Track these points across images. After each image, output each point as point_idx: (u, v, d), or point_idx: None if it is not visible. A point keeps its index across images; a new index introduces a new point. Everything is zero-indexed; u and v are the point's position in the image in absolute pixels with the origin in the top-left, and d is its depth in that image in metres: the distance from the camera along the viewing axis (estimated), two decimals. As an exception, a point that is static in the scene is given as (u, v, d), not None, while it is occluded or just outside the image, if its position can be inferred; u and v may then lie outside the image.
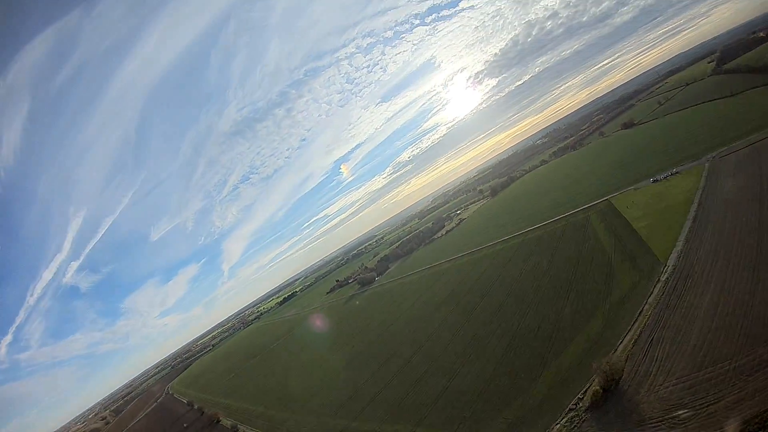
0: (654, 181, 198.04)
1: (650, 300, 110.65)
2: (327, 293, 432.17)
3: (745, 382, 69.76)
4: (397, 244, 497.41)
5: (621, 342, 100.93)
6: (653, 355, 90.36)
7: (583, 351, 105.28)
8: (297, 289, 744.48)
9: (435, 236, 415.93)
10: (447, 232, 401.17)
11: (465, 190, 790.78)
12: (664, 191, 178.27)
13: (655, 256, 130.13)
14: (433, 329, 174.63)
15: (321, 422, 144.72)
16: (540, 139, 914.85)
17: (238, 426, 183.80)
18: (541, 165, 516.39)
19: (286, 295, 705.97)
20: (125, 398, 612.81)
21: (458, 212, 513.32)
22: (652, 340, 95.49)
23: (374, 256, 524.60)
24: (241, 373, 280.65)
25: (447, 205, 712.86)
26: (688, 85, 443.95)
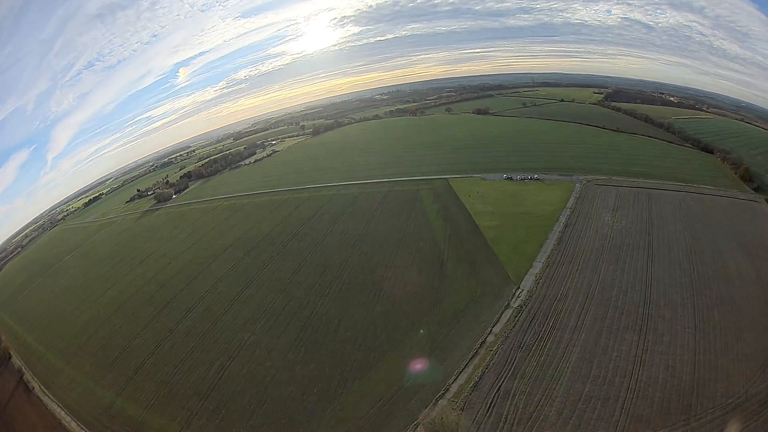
0: (507, 179, 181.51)
1: (497, 330, 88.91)
2: (126, 202, 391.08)
3: None
4: (204, 161, 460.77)
5: (454, 380, 77.32)
6: (501, 413, 67.99)
7: (394, 378, 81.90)
8: (104, 191, 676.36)
9: (243, 162, 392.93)
10: (256, 161, 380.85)
11: (288, 122, 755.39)
12: (521, 195, 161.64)
13: (504, 270, 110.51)
14: (214, 281, 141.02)
15: (88, 389, 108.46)
16: (380, 94, 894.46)
17: (23, 370, 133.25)
18: (374, 119, 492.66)
19: (92, 197, 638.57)
20: None
21: (273, 143, 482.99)
22: (499, 390, 72.82)
23: (180, 169, 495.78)
24: (33, 293, 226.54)
25: (265, 132, 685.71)
26: (563, 101, 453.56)
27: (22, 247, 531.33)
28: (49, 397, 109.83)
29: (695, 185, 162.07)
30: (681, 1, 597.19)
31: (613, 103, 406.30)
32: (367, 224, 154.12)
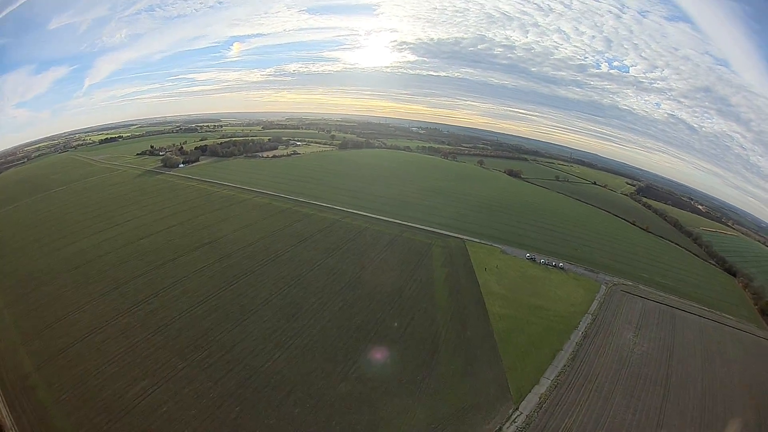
0: (530, 259, 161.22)
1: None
2: (137, 154, 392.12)
3: None
4: (224, 140, 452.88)
5: None
6: None
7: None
8: (124, 135, 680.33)
9: (260, 154, 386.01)
10: (274, 156, 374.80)
11: (320, 127, 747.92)
12: (542, 283, 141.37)
13: (506, 380, 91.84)
14: (174, 280, 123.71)
15: (13, 346, 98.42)
16: (417, 127, 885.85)
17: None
18: (405, 150, 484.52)
19: (110, 136, 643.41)
20: None
21: (298, 143, 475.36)
22: None
23: (201, 140, 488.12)
24: (11, 213, 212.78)
25: (294, 131, 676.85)
26: (596, 184, 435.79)
27: (28, 159, 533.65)
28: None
29: (717, 312, 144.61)
30: (730, 110, 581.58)
31: (644, 199, 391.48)
32: (363, 269, 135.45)
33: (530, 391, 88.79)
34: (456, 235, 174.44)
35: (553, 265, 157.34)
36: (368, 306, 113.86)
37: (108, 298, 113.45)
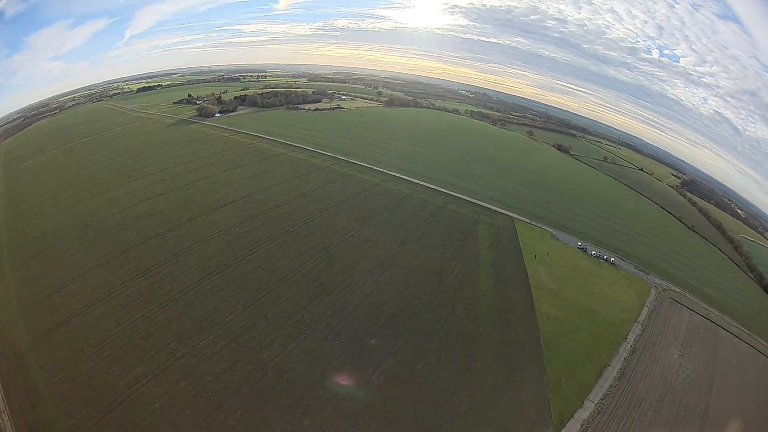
0: (581, 249, 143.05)
1: None
2: (174, 103, 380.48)
3: None
4: (266, 90, 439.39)
5: None
6: None
7: None
8: (163, 83, 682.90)
9: (302, 106, 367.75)
10: (316, 109, 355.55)
11: (367, 82, 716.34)
12: (593, 280, 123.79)
13: (548, 400, 77.28)
14: (190, 243, 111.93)
15: (12, 318, 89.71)
16: (466, 90, 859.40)
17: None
18: (453, 112, 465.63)
19: (148, 85, 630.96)
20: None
21: (343, 97, 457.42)
22: None
23: (243, 89, 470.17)
24: (35, 166, 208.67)
25: (340, 84, 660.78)
26: (642, 170, 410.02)
27: (61, 110, 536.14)
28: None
29: (755, 335, 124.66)
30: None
31: (689, 194, 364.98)
32: (402, 244, 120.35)
33: (572, 416, 74.54)
34: (504, 211, 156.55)
35: (604, 259, 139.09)
36: (404, 292, 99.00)
37: (114, 264, 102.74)
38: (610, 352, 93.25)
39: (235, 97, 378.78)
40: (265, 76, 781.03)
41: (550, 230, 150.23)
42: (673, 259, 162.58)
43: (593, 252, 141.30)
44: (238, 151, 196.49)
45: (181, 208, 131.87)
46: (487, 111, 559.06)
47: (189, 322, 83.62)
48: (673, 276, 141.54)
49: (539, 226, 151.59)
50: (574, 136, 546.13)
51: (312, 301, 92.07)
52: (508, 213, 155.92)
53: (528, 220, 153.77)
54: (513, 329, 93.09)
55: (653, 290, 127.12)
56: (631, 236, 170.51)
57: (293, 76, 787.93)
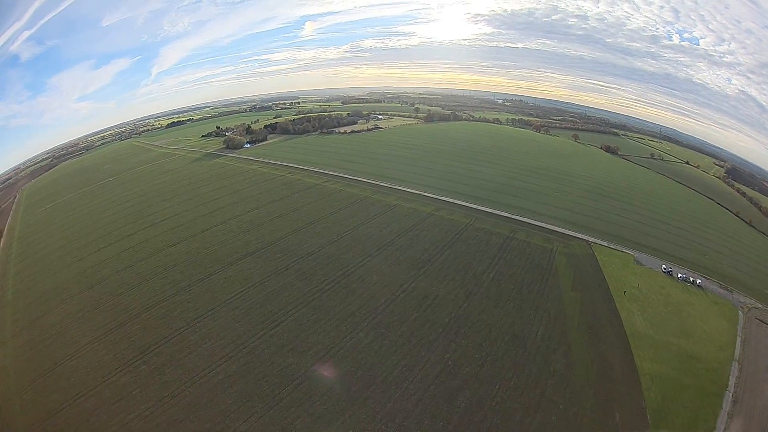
0: (667, 273, 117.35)
1: None
2: (202, 136, 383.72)
3: None
4: (298, 117, 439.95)
5: None
6: None
7: None
8: (194, 117, 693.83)
9: (337, 129, 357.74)
10: (352, 131, 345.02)
11: (403, 100, 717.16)
12: (686, 313, 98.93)
13: None
14: (204, 308, 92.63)
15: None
16: (502, 99, 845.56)
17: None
18: (494, 122, 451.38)
19: (180, 119, 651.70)
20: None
21: (380, 117, 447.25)
22: None
23: (275, 117, 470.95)
24: (53, 211, 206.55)
25: (376, 104, 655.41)
26: (688, 164, 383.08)
27: (88, 149, 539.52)
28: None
29: None
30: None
31: (736, 183, 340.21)
32: (470, 297, 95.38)
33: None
34: (578, 234, 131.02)
35: (690, 282, 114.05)
36: (479, 372, 73.38)
37: (111, 339, 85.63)
38: (716, 411, 71.43)
39: (266, 126, 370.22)
40: (298, 103, 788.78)
41: (631, 253, 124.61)
42: (745, 266, 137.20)
43: (679, 275, 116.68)
44: (265, 185, 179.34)
45: (194, 261, 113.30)
46: (528, 118, 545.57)
47: (192, 430, 62.46)
48: (753, 289, 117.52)
49: (619, 249, 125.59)
50: (617, 134, 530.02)
51: (354, 402, 67.31)
52: (582, 236, 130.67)
53: (606, 243, 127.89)
54: (616, 403, 69.03)
55: (740, 312, 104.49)
56: (705, 246, 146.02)
57: (327, 101, 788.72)
